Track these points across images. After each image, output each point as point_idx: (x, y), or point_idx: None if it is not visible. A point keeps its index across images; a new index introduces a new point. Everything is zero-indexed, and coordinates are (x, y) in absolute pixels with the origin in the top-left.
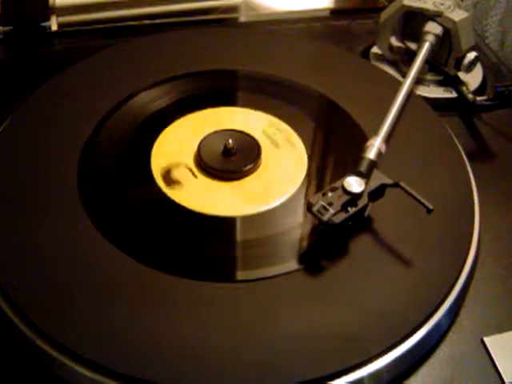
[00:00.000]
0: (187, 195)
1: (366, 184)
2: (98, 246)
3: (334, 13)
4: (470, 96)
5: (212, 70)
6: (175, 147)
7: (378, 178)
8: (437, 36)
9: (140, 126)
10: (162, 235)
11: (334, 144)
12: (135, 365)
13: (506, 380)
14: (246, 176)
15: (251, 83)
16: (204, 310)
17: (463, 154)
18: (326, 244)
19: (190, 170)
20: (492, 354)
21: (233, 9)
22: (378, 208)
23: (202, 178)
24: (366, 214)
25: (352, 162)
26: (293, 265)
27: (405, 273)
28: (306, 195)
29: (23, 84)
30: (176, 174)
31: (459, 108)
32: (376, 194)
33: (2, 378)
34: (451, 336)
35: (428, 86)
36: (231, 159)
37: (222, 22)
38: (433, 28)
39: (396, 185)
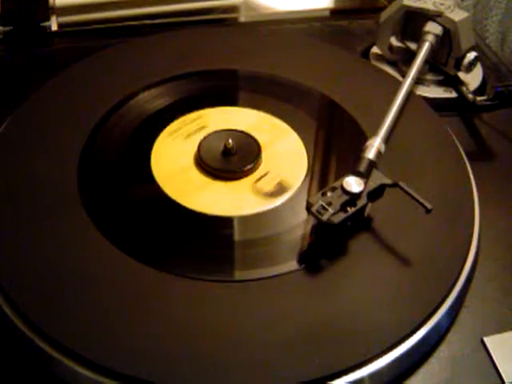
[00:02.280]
0: (187, 195)
1: (366, 184)
2: (98, 245)
3: (334, 13)
4: (470, 96)
5: (212, 70)
6: (175, 147)
7: (378, 178)
8: (437, 36)
9: (140, 125)
10: (162, 235)
11: (333, 144)
12: (135, 365)
13: (506, 380)
14: (246, 176)
15: (251, 83)
16: (203, 310)
17: (463, 154)
18: (326, 244)
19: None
20: (492, 354)
21: (233, 9)
22: (378, 208)
23: (202, 178)
24: (365, 214)
25: (352, 162)
26: (292, 265)
27: (405, 273)
28: (306, 195)
29: (23, 84)
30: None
31: (459, 108)
32: (375, 194)
33: (1, 378)
34: (451, 336)
35: (428, 86)
36: (231, 159)
37: (222, 22)
38: (433, 28)
39: (395, 185)
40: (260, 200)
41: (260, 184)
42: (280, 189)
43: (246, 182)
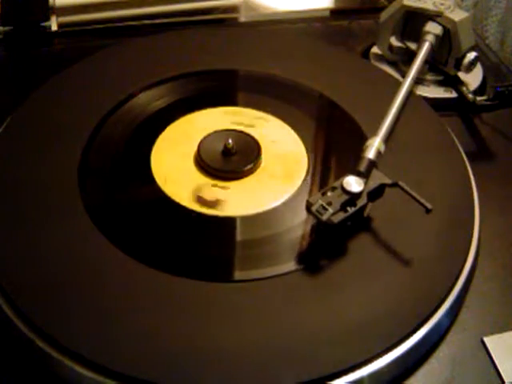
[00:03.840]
0: (187, 195)
1: (365, 184)
2: (98, 245)
3: (334, 13)
4: (470, 96)
5: (212, 70)
6: (175, 147)
7: (377, 178)
8: (437, 36)
9: (140, 125)
10: (161, 235)
11: (333, 144)
12: (135, 365)
13: (506, 380)
14: (246, 176)
15: (251, 83)
16: (203, 310)
17: (463, 154)
18: (326, 244)
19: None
20: (492, 354)
21: (233, 9)
22: (378, 208)
23: (202, 178)
24: (365, 214)
25: (352, 162)
26: (292, 265)
27: (405, 273)
28: (306, 195)
29: (23, 84)
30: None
31: (459, 108)
32: (375, 193)
33: (2, 378)
34: (451, 336)
35: (428, 86)
36: (231, 159)
37: (222, 22)
38: (433, 28)
39: (395, 185)
40: (260, 200)
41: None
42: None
43: (245, 182)
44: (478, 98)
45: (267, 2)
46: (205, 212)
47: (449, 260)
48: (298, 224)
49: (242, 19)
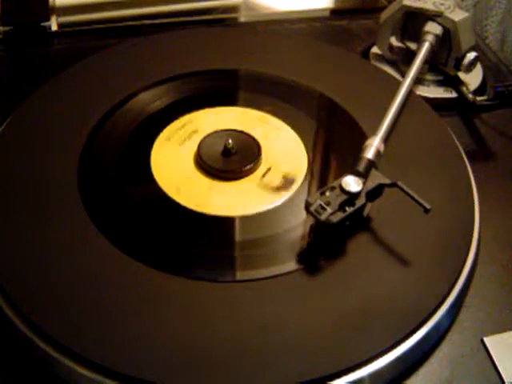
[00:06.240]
0: (187, 195)
1: (364, 184)
2: (98, 245)
3: (334, 13)
4: (470, 96)
5: (212, 70)
6: (175, 147)
7: (376, 178)
8: (437, 36)
9: (140, 126)
10: (161, 235)
11: (333, 144)
12: (135, 365)
13: (506, 380)
14: (246, 176)
15: (251, 83)
16: (203, 310)
17: (463, 154)
18: (325, 244)
19: None
20: (492, 354)
21: (233, 9)
22: (377, 208)
23: (202, 178)
24: (365, 214)
25: (352, 162)
26: (292, 265)
27: (405, 273)
28: (306, 195)
29: (23, 84)
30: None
31: (459, 108)
32: (374, 193)
33: (2, 378)
34: (451, 336)
35: (428, 86)
36: (231, 159)
37: (222, 22)
38: (433, 28)
39: (394, 185)
40: (259, 200)
41: (266, 179)
42: (286, 182)
43: (245, 182)
44: (478, 98)
45: (267, 2)
46: (204, 212)
47: (449, 260)
48: (298, 224)
49: (242, 19)
